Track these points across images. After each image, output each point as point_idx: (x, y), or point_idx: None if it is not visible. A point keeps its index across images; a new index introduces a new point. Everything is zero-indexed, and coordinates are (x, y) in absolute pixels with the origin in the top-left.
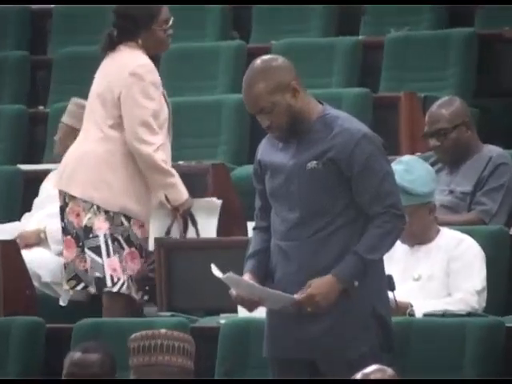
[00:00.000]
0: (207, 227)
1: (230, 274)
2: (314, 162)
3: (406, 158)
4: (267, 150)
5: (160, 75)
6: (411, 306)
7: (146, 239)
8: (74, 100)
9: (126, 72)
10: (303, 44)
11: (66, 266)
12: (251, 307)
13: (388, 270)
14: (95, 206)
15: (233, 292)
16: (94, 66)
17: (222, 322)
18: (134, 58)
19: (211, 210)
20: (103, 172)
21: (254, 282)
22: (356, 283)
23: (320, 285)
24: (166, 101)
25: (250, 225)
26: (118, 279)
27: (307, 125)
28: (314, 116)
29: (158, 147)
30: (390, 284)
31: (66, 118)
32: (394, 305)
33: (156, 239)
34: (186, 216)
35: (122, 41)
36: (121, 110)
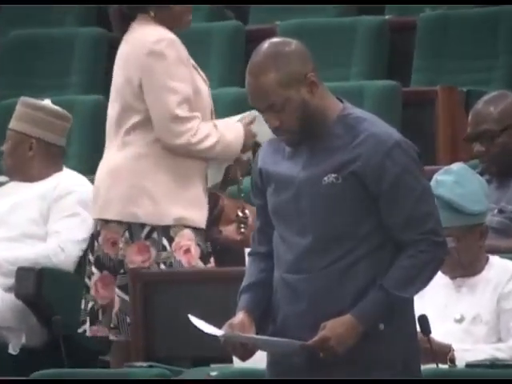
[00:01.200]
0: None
1: (226, 334)
2: (333, 175)
3: (456, 166)
4: (270, 158)
5: None
6: (452, 350)
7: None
8: (24, 100)
9: (143, 52)
10: (316, 25)
11: (104, 308)
12: (244, 355)
13: (420, 308)
14: (127, 233)
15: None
16: (53, 53)
17: (214, 374)
18: (147, 34)
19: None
20: (138, 182)
21: (253, 334)
22: (381, 326)
23: (336, 326)
24: (202, 78)
25: (247, 251)
26: None
27: (324, 127)
28: (332, 116)
29: (195, 130)
30: (423, 327)
31: (14, 124)
32: (428, 350)
33: (130, 270)
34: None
35: (134, 15)
36: (145, 101)
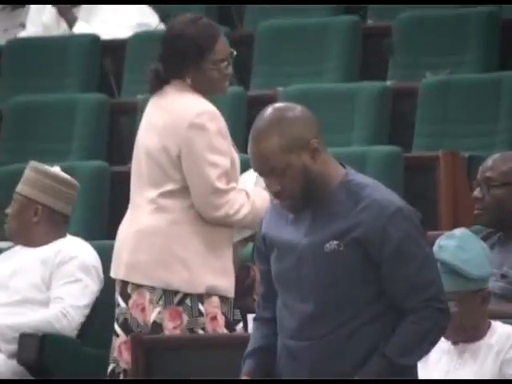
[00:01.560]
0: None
1: None
2: (335, 242)
3: (459, 231)
4: (273, 223)
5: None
6: None
7: None
8: (33, 165)
9: (184, 124)
10: (317, 91)
11: (126, 372)
12: None
13: (424, 375)
14: (164, 297)
15: None
16: (55, 119)
17: None
18: (189, 105)
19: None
20: (172, 248)
21: None
22: None
23: None
24: (235, 148)
25: (251, 317)
26: None
27: (326, 193)
28: (334, 182)
29: (233, 202)
30: None
31: (22, 188)
32: None
33: (132, 336)
34: None
35: (169, 78)
36: (182, 171)
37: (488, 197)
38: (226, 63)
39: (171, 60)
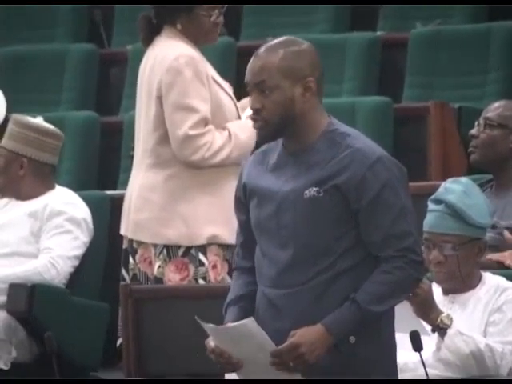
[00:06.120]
0: None
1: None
2: (314, 188)
3: (464, 179)
4: (254, 171)
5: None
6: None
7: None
8: (16, 118)
9: (163, 68)
10: (307, 41)
11: None
12: (227, 368)
13: (414, 323)
14: (165, 251)
15: (210, 343)
16: (45, 69)
17: None
18: (170, 50)
19: None
20: (170, 203)
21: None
22: (352, 339)
23: (306, 334)
24: (228, 94)
25: None
26: None
27: (307, 140)
28: (318, 130)
29: (210, 144)
30: (415, 343)
31: (6, 142)
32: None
33: (122, 287)
34: None
35: (161, 25)
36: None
37: (482, 135)
38: (217, 11)
39: (163, 4)
